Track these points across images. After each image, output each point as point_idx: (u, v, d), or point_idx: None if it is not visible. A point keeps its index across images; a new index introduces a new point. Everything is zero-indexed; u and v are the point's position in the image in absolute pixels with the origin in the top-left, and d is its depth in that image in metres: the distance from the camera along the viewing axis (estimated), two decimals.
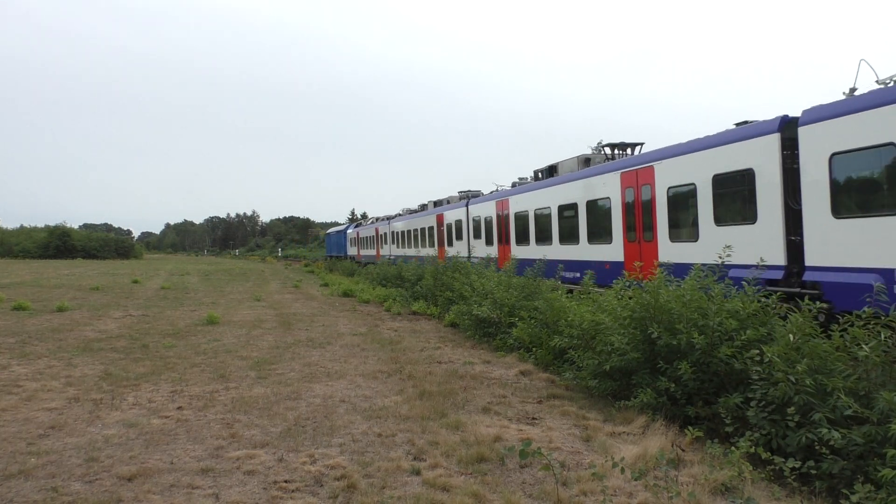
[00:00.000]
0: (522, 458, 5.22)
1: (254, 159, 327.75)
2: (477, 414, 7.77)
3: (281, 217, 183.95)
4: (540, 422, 7.52)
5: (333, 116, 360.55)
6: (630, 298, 8.19)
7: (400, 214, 40.12)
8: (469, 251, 25.97)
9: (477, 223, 24.96)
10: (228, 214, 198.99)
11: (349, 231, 57.24)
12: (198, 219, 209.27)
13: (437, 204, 32.30)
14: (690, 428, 5.86)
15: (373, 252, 46.02)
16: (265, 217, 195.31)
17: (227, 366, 11.04)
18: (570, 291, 12.79)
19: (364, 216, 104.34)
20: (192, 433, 7.12)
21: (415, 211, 36.99)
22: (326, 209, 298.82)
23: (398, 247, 37.93)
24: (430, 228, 31.38)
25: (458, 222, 27.34)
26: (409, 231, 35.64)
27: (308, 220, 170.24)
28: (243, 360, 11.63)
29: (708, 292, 7.64)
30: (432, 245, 30.95)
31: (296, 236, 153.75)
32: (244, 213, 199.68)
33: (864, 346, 5.60)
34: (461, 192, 29.34)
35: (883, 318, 5.86)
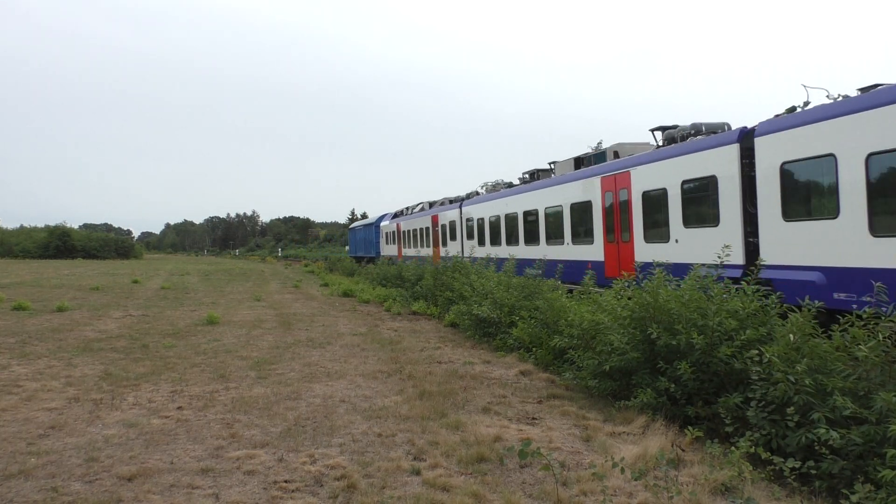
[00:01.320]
0: (522, 458, 5.22)
1: (254, 159, 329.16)
2: (477, 414, 7.77)
3: (281, 217, 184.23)
4: (540, 422, 7.52)
5: (333, 116, 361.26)
6: (629, 298, 8.19)
7: (478, 192, 26.51)
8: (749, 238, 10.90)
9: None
10: (228, 214, 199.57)
11: (383, 224, 41.83)
12: (198, 219, 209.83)
13: (553, 170, 19.84)
14: (690, 428, 5.86)
15: (426, 250, 30.80)
16: (265, 217, 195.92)
17: (227, 366, 11.04)
18: None
19: (364, 216, 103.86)
20: (192, 433, 7.12)
21: (510, 185, 23.57)
22: (326, 209, 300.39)
23: (484, 242, 23.55)
24: (556, 214, 17.92)
25: (658, 195, 13.28)
26: (507, 216, 21.38)
27: (308, 220, 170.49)
28: (243, 360, 11.64)
29: (707, 292, 7.63)
30: (556, 238, 17.91)
31: (296, 236, 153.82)
32: (244, 213, 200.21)
33: (862, 346, 5.60)
34: (617, 144, 16.60)
35: (883, 318, 5.86)
